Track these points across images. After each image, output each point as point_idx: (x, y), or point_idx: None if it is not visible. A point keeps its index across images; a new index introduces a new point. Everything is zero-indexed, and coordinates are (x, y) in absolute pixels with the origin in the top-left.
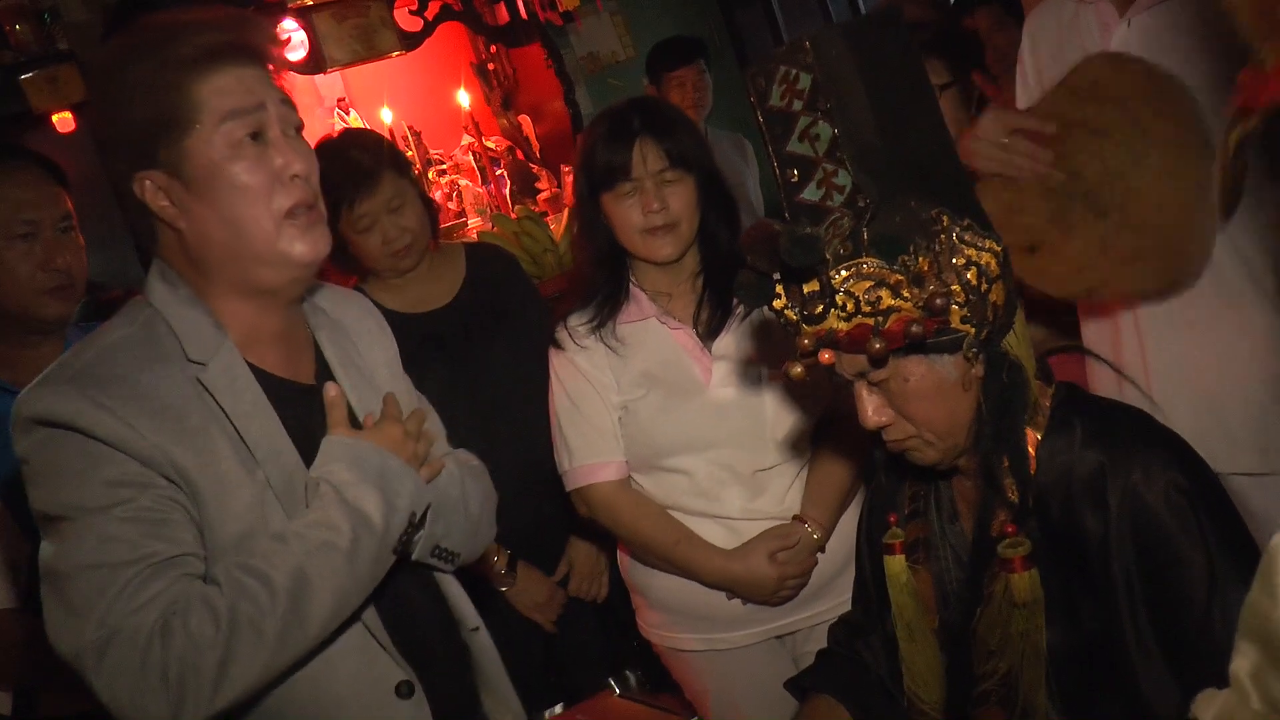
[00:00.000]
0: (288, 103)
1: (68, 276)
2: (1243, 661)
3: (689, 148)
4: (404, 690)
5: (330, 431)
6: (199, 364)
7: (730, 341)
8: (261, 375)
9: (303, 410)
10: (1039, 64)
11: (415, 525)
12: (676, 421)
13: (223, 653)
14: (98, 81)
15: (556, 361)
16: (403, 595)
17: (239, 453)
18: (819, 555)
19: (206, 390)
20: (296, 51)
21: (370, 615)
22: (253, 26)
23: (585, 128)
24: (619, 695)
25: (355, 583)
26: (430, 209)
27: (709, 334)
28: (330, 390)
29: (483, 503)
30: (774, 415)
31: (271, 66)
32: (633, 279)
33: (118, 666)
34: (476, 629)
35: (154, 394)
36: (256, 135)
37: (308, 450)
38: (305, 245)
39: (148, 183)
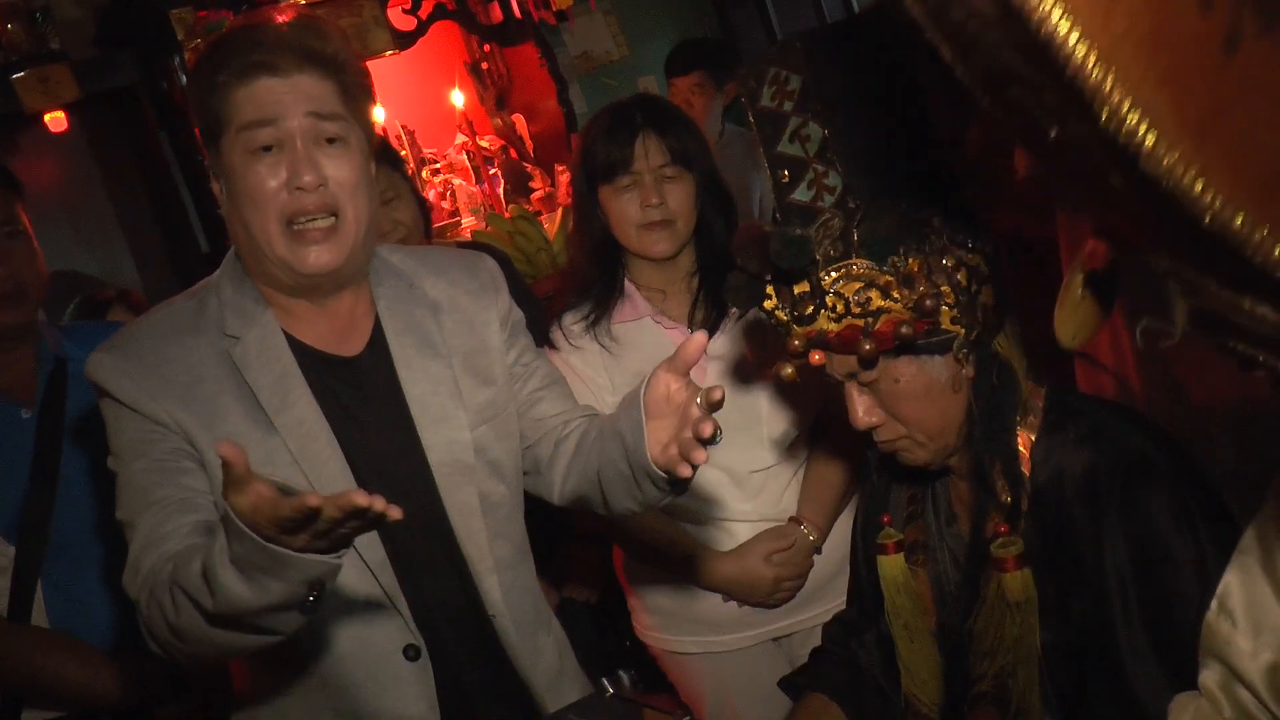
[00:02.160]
0: (327, 115)
1: (15, 283)
2: (1210, 674)
3: (690, 146)
4: (410, 653)
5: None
6: (233, 338)
7: (726, 342)
8: (300, 348)
9: (337, 382)
10: None
11: (316, 590)
12: None
13: (160, 640)
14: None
15: (551, 361)
16: (423, 567)
17: (254, 417)
18: (815, 557)
19: (235, 362)
20: (321, 25)
21: (389, 579)
22: (309, 36)
23: (586, 123)
24: (612, 695)
25: (231, 625)
26: (423, 207)
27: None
28: (224, 450)
29: None
30: (769, 416)
31: (331, 70)
32: (628, 276)
33: (139, 613)
34: (494, 616)
35: (172, 363)
36: (270, 146)
37: (339, 418)
38: (310, 255)
39: (211, 168)
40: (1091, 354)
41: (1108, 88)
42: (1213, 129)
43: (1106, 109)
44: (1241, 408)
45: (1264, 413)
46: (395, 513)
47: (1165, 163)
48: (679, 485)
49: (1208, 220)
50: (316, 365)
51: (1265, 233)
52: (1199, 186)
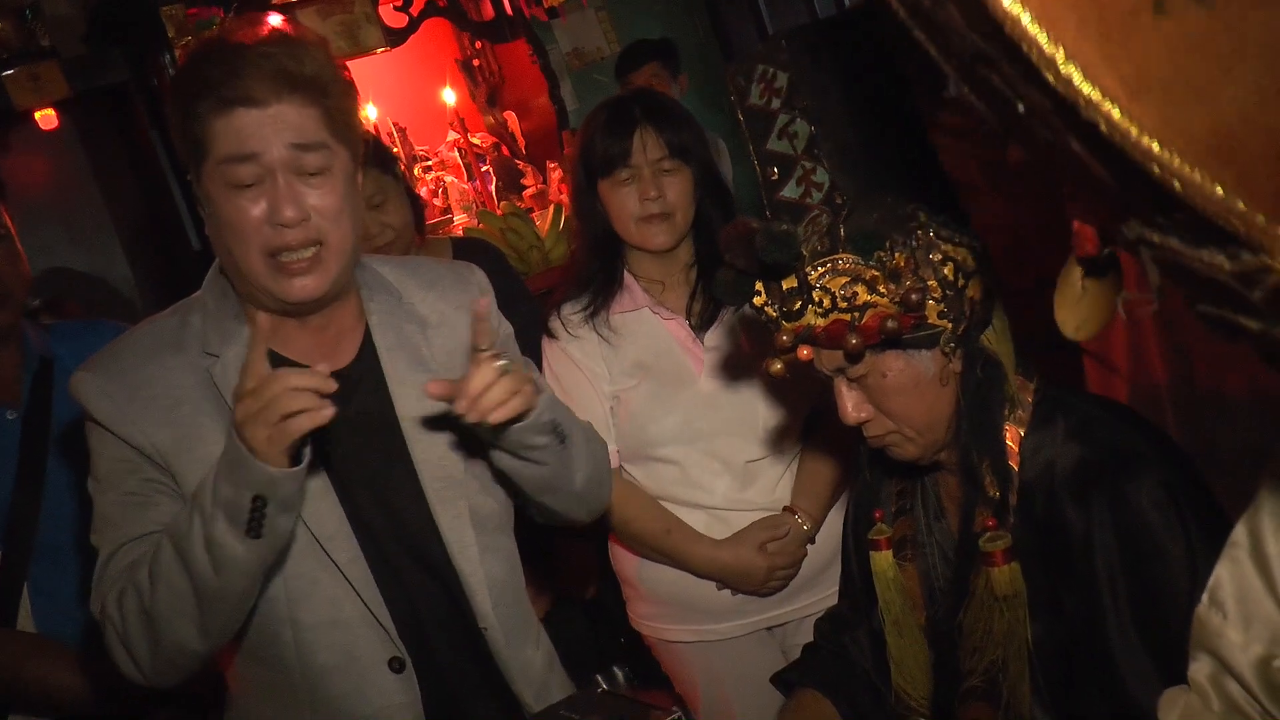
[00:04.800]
0: (308, 145)
1: (1, 286)
2: (1200, 668)
3: (688, 139)
4: (395, 665)
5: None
6: (213, 356)
7: (723, 333)
8: (281, 364)
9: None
10: None
11: (258, 508)
12: (668, 412)
13: (126, 636)
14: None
15: (549, 350)
16: (409, 580)
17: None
18: (809, 547)
19: (215, 382)
20: (306, 38)
21: (370, 592)
22: (292, 63)
23: (585, 117)
24: (604, 691)
25: (206, 578)
26: (416, 206)
27: (702, 325)
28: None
29: (585, 440)
30: (765, 407)
31: (314, 96)
32: (627, 268)
33: (105, 631)
34: (485, 629)
35: (153, 382)
36: (250, 181)
37: (324, 433)
38: (295, 286)
39: (194, 188)
40: (1105, 340)
41: (1045, 44)
42: (1150, 88)
43: (1049, 67)
44: (1259, 386)
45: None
46: (329, 379)
47: (1111, 117)
48: (511, 438)
49: (1158, 174)
50: None
51: (1219, 190)
52: (1146, 141)
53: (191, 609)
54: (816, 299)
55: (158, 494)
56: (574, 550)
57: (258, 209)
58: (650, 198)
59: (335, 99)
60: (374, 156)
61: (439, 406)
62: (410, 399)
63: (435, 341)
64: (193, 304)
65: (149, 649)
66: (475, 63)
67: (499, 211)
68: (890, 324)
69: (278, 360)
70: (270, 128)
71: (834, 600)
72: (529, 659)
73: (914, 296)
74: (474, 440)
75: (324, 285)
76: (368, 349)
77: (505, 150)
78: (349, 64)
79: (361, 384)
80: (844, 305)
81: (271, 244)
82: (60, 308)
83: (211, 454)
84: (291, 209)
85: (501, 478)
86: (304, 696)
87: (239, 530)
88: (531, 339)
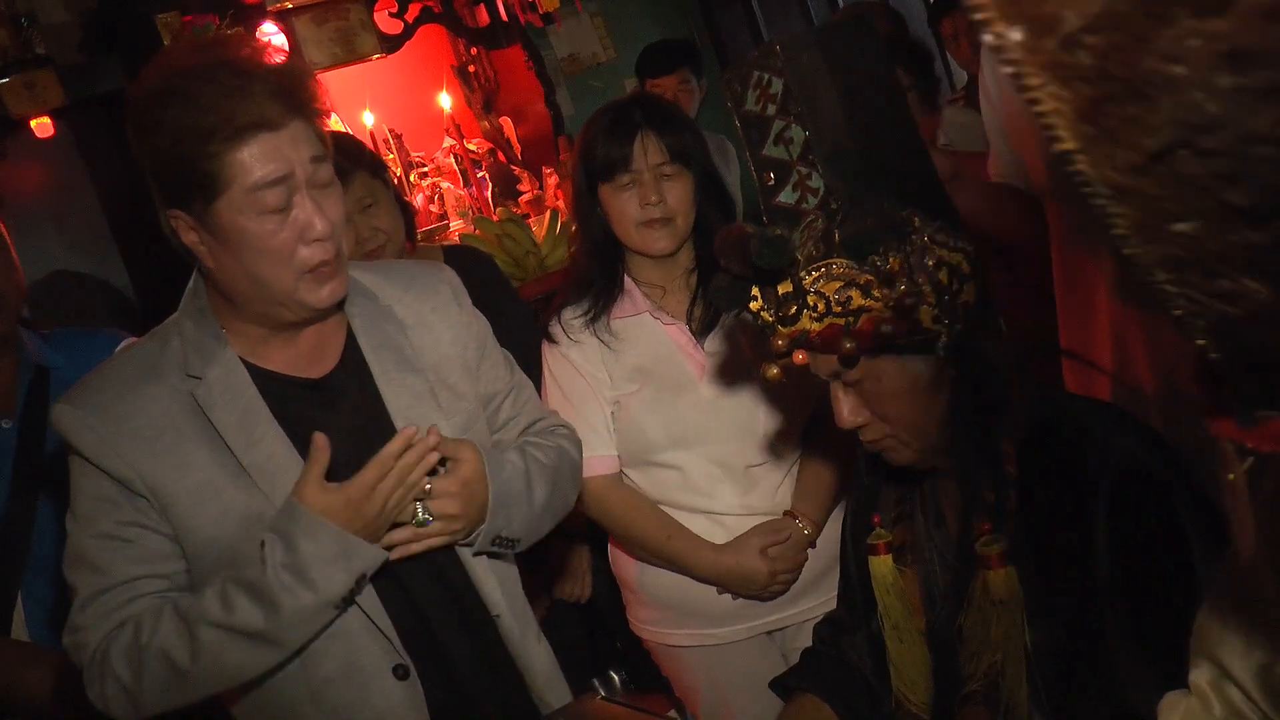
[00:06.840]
0: (320, 157)
1: None
2: (1201, 673)
3: (689, 144)
4: (400, 672)
5: (297, 488)
6: (195, 378)
7: (723, 338)
8: (265, 377)
9: (309, 406)
10: (998, 74)
11: (359, 584)
12: (669, 417)
13: (138, 692)
14: (132, 122)
15: (549, 356)
16: (410, 583)
17: (221, 461)
18: (810, 551)
19: (199, 404)
20: (276, 56)
21: (371, 601)
22: (288, 80)
23: (586, 121)
24: (603, 697)
25: (272, 643)
26: (407, 213)
27: (702, 330)
28: (316, 440)
29: (550, 491)
30: (766, 411)
31: (310, 112)
32: (627, 272)
33: (81, 670)
34: (498, 616)
35: (135, 413)
36: (282, 205)
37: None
38: (325, 293)
39: (179, 221)
40: (1088, 354)
41: None
42: None
43: None
44: None
45: None
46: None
47: None
48: None
49: None
50: (283, 391)
51: None
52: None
53: (241, 663)
54: (811, 303)
55: (139, 534)
56: (568, 551)
57: (290, 228)
58: (651, 202)
59: (320, 111)
60: (368, 163)
61: (429, 403)
62: (401, 397)
63: (416, 341)
64: (169, 328)
65: (173, 701)
66: (471, 69)
67: (495, 217)
68: (884, 328)
69: (259, 374)
70: (290, 148)
71: (834, 604)
72: (534, 649)
73: (908, 301)
74: (463, 431)
75: (345, 287)
76: (351, 353)
77: (501, 156)
78: (345, 70)
79: (347, 389)
80: (838, 310)
81: (309, 261)
82: (50, 322)
83: (203, 481)
84: (322, 223)
85: None
86: (308, 707)
87: (335, 603)
88: (523, 343)
